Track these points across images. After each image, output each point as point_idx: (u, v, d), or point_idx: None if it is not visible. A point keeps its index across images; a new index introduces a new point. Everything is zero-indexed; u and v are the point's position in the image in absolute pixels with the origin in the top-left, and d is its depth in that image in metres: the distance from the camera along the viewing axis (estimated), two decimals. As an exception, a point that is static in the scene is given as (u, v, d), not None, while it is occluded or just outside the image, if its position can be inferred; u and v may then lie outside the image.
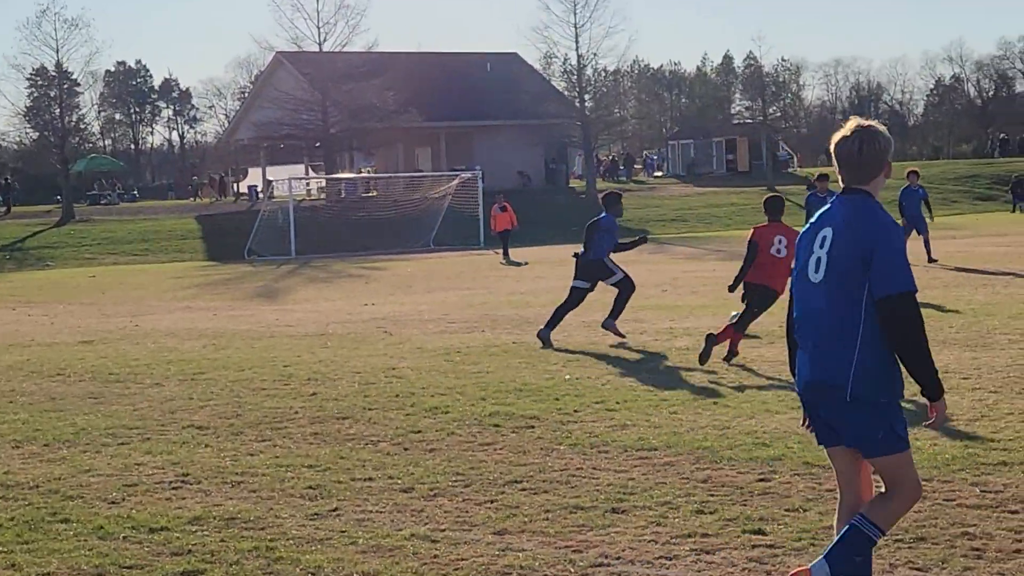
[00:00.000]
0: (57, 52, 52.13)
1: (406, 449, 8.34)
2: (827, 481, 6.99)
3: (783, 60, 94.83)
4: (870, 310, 4.50)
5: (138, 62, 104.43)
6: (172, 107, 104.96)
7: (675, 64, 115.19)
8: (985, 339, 12.34)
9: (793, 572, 4.77)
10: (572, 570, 5.66)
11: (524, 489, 7.12)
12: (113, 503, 7.11)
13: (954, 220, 40.86)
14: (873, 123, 4.69)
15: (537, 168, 59.55)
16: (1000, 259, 23.18)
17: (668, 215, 50.13)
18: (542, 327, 14.08)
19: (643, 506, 6.64)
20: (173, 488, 7.43)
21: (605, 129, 60.83)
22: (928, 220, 23.98)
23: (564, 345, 13.51)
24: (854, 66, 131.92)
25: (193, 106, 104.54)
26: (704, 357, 11.65)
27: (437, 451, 8.23)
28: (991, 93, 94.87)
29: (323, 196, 54.49)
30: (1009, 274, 20.17)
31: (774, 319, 12.99)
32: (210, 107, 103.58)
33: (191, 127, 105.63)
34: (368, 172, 58.00)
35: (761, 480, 7.12)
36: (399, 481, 7.40)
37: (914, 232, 23.42)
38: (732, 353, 11.85)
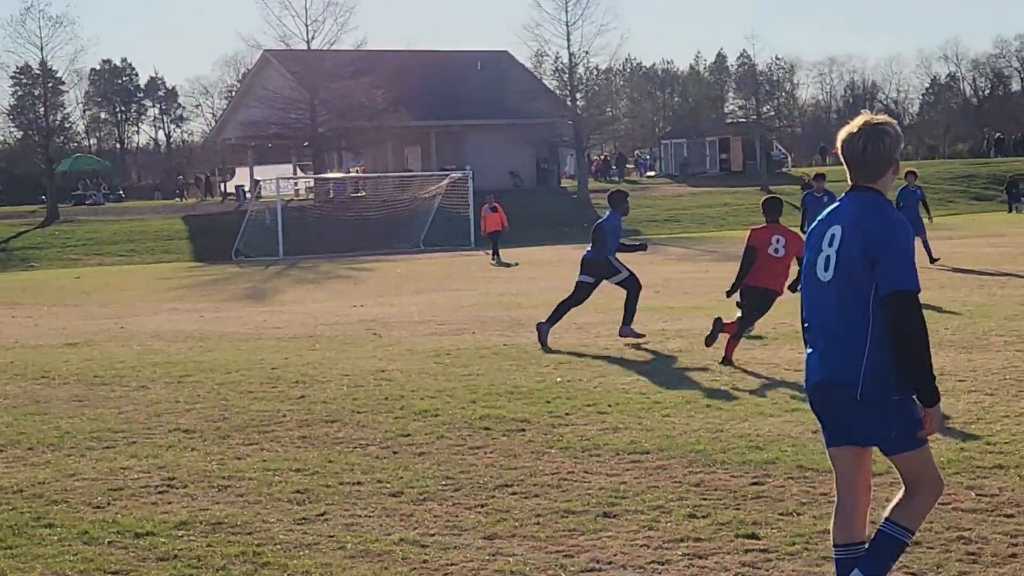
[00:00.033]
0: (41, 50, 52.01)
1: (395, 453, 8.29)
2: (821, 485, 6.95)
3: (777, 58, 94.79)
4: (878, 308, 4.46)
5: (124, 60, 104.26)
6: (158, 106, 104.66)
7: (668, 62, 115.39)
8: (981, 341, 12.31)
9: None
10: (563, 575, 5.61)
11: (515, 493, 7.08)
12: (98, 507, 7.07)
13: (950, 220, 40.90)
14: (881, 120, 4.63)
15: (528, 168, 59.47)
16: (996, 260, 23.18)
17: (661, 215, 50.15)
18: (543, 320, 13.98)
19: (635, 510, 6.60)
20: (159, 492, 7.38)
21: (597, 128, 60.73)
22: (927, 221, 24.00)
23: (556, 347, 13.45)
24: (849, 64, 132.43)
25: (179, 105, 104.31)
26: (710, 340, 11.82)
27: (427, 455, 8.18)
28: (987, 92, 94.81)
29: (311, 196, 54.37)
30: (1005, 275, 20.17)
31: (771, 320, 12.96)
32: (197, 106, 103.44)
33: (177, 126, 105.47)
34: (357, 172, 57.90)
35: (755, 484, 7.08)
36: (388, 485, 7.36)
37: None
38: (727, 360, 11.76)
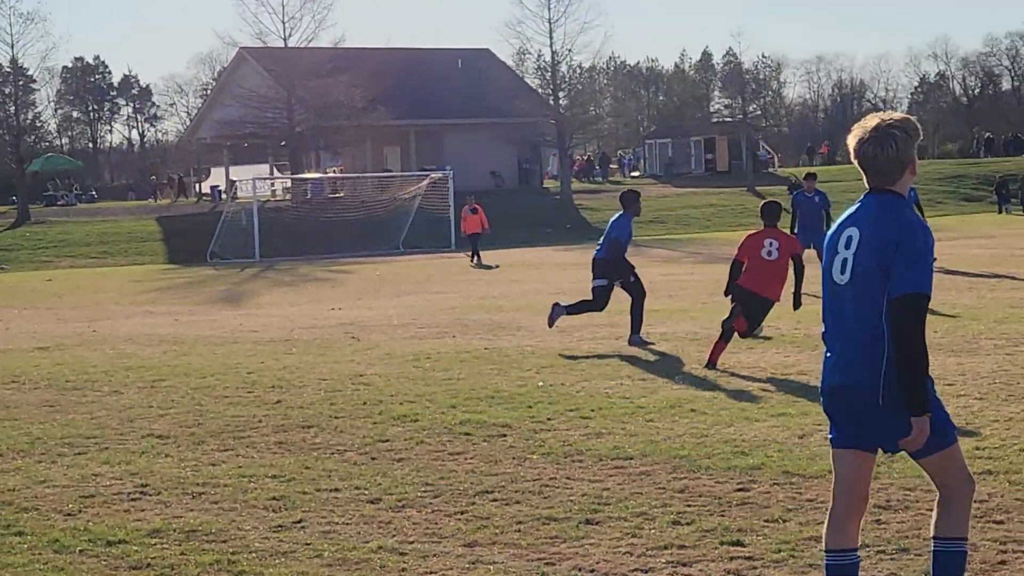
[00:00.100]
0: (12, 47, 51.61)
1: (373, 459, 8.21)
2: (808, 491, 6.90)
3: (763, 57, 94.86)
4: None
5: (96, 58, 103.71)
6: (132, 105, 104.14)
7: (652, 61, 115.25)
8: (970, 344, 12.29)
9: None
10: (546, 585, 5.54)
11: (495, 500, 7.01)
12: (69, 515, 6.99)
13: (940, 221, 41.04)
14: (892, 122, 4.52)
15: (510, 168, 59.39)
16: (986, 261, 23.23)
17: (645, 216, 49.74)
18: (560, 304, 13.96)
19: (618, 517, 6.54)
20: (132, 499, 7.31)
21: (580, 128, 60.60)
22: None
23: (538, 351, 13.35)
24: (837, 63, 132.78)
25: (154, 104, 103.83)
26: (726, 337, 11.94)
27: (406, 461, 8.10)
28: (977, 91, 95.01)
29: (288, 197, 54.15)
30: (995, 277, 20.23)
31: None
32: (171, 105, 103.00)
33: (152, 125, 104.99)
34: (335, 172, 57.72)
35: (740, 490, 7.02)
36: (366, 492, 7.29)
37: None
38: (711, 363, 11.69)
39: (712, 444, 8.19)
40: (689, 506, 6.70)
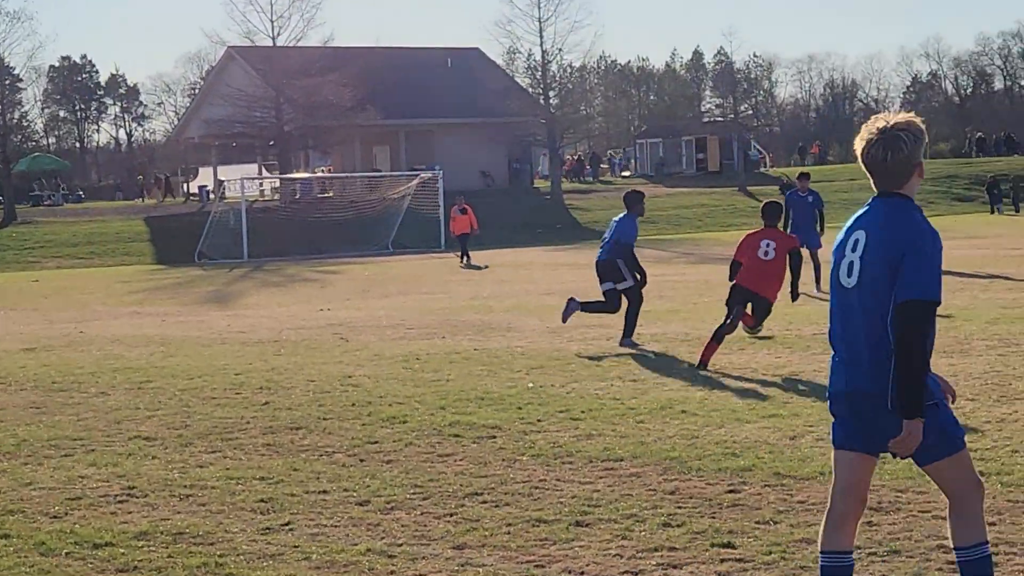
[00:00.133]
0: (-2, 46, 51.35)
1: (362, 460, 8.17)
2: (799, 492, 6.88)
3: (755, 56, 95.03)
4: None
5: (83, 57, 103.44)
6: (119, 104, 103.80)
7: (643, 60, 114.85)
8: (962, 345, 12.28)
9: None
10: (536, 588, 5.51)
11: (485, 502, 6.98)
12: (55, 517, 6.94)
13: (932, 221, 40.93)
14: (897, 123, 4.48)
15: (500, 168, 59.33)
16: (979, 262, 23.23)
17: (637, 217, 50.08)
18: (575, 300, 13.89)
19: (608, 519, 6.51)
20: (118, 502, 7.27)
21: (571, 127, 60.50)
22: None
23: (527, 352, 13.32)
24: (828, 62, 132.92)
25: (141, 103, 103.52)
26: (730, 329, 12.08)
27: (395, 462, 8.06)
28: (969, 90, 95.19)
29: (277, 197, 54.03)
30: (988, 277, 20.23)
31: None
32: (159, 104, 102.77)
33: (139, 125, 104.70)
34: (324, 172, 57.61)
35: (730, 492, 7.00)
36: (355, 494, 7.25)
37: None
38: (703, 364, 11.68)
39: (703, 446, 8.17)
40: (680, 508, 6.68)
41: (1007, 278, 19.97)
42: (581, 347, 13.57)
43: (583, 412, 9.52)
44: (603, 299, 14.12)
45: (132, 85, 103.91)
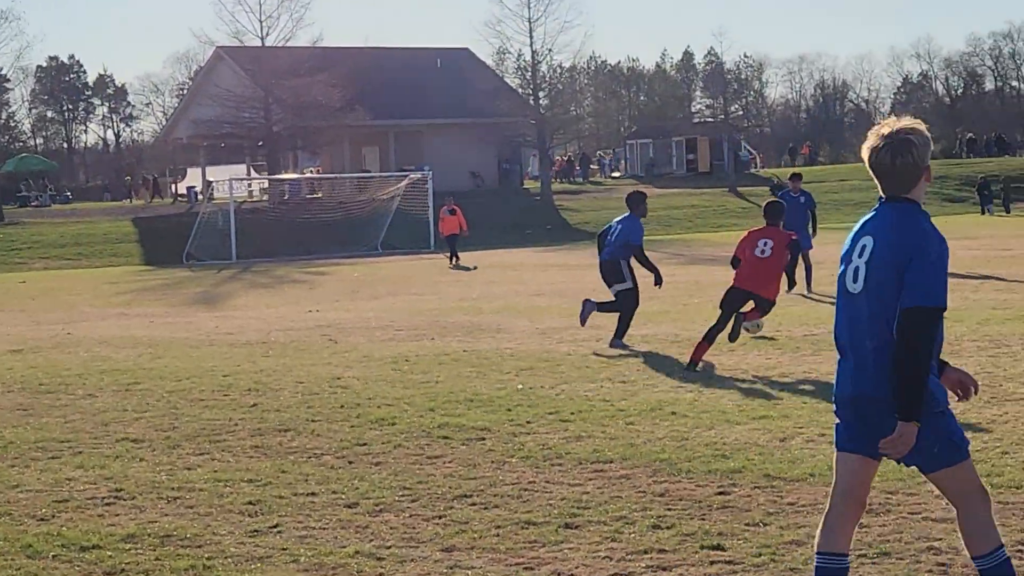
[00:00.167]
0: (-16, 47, 51.13)
1: (351, 462, 8.14)
2: (789, 494, 6.87)
3: (745, 56, 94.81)
4: None
5: (71, 57, 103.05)
6: (107, 104, 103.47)
7: (633, 60, 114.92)
8: (953, 346, 12.27)
9: None
10: (526, 591, 5.49)
11: (474, 504, 6.96)
12: (42, 520, 6.91)
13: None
14: (905, 128, 4.49)
15: (490, 168, 59.29)
16: (969, 263, 23.25)
17: (627, 217, 50.06)
18: (591, 301, 13.93)
19: (597, 521, 6.50)
20: (106, 504, 7.23)
21: (561, 128, 60.59)
22: None
23: (517, 353, 13.30)
24: (819, 63, 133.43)
25: (129, 103, 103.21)
26: (733, 336, 12.30)
27: (383, 464, 8.03)
28: (960, 91, 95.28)
29: (265, 198, 53.94)
30: (978, 278, 20.25)
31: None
32: (147, 104, 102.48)
33: (127, 125, 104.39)
34: (313, 172, 57.54)
35: (720, 493, 6.98)
36: (343, 496, 7.23)
37: None
38: (693, 363, 11.68)
39: (692, 447, 8.15)
40: (669, 510, 6.66)
41: (997, 279, 20.01)
42: (571, 348, 13.56)
43: (573, 414, 9.50)
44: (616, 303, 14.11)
45: (120, 85, 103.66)
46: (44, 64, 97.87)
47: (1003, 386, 10.03)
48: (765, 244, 12.21)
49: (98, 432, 9.48)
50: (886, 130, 4.48)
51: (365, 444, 8.66)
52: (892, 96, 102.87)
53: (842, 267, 4.60)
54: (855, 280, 4.49)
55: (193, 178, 62.48)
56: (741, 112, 66.74)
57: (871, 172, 4.56)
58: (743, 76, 77.67)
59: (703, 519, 6.45)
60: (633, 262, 13.99)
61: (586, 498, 6.96)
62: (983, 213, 49.26)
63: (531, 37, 55.55)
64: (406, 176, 45.58)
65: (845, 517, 4.59)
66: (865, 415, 4.48)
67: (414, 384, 11.31)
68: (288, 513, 6.87)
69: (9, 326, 19.03)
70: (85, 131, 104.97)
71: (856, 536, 5.95)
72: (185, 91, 74.53)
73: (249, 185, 57.09)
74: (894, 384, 4.34)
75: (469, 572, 5.72)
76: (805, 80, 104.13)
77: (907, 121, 4.51)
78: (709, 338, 11.89)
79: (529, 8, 55.16)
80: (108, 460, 8.41)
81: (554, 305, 16.71)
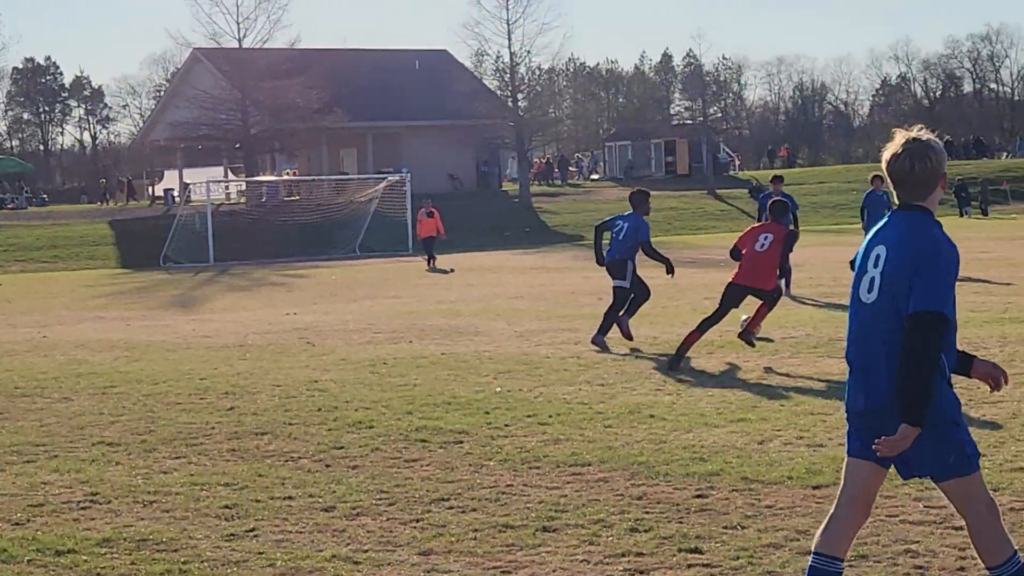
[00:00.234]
0: (-40, 49, 50.81)
1: (328, 466, 8.10)
2: (766, 497, 6.88)
3: (724, 58, 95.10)
4: None
5: (48, 59, 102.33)
6: (83, 106, 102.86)
7: (612, 62, 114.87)
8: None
9: None
10: (504, 595, 5.48)
11: (451, 507, 6.94)
12: (17, 524, 6.86)
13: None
14: (923, 136, 4.57)
15: (468, 171, 59.22)
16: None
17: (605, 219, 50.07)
18: (618, 316, 13.93)
19: (575, 524, 6.49)
20: (81, 508, 7.19)
21: (539, 130, 60.49)
22: None
23: (495, 356, 13.28)
24: (798, 65, 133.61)
25: (106, 105, 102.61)
26: (744, 337, 12.46)
27: (360, 468, 8.00)
28: (939, 93, 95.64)
29: (243, 200, 53.70)
30: (956, 280, 20.30)
31: (720, 328, 12.81)
32: (124, 106, 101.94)
33: (104, 127, 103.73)
34: (291, 175, 57.33)
35: (698, 496, 6.98)
36: (320, 500, 7.20)
37: None
38: (679, 352, 11.83)
39: (671, 450, 8.15)
40: (647, 513, 6.65)
41: (976, 280, 20.09)
42: (549, 351, 13.55)
43: (551, 417, 9.49)
44: (633, 297, 14.16)
45: (96, 87, 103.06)
46: (20, 66, 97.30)
47: (980, 388, 10.04)
48: (765, 238, 12.44)
49: (74, 436, 9.42)
50: (902, 139, 4.55)
51: (342, 447, 8.63)
52: (871, 98, 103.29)
53: (856, 277, 4.62)
54: (870, 290, 4.52)
55: (170, 180, 62.17)
56: (720, 114, 66.91)
57: (888, 179, 4.61)
58: (722, 78, 77.89)
59: (681, 522, 6.45)
60: (640, 258, 14.09)
61: (564, 501, 6.95)
62: (961, 215, 49.55)
63: (509, 39, 55.57)
64: (384, 178, 45.50)
65: (849, 522, 4.61)
66: (875, 425, 4.49)
67: (392, 387, 11.28)
68: (265, 517, 6.84)
69: (-16, 329, 18.89)
70: (61, 133, 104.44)
71: (834, 539, 5.97)
72: (162, 93, 74.17)
73: (226, 187, 56.86)
74: (898, 386, 4.37)
75: (446, 576, 5.70)
76: (784, 82, 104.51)
77: (923, 131, 4.59)
78: (701, 329, 12.15)
79: (507, 10, 55.17)
80: (84, 464, 8.36)
81: (532, 308, 16.64)
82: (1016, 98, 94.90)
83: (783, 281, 19.09)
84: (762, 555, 5.82)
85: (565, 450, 8.28)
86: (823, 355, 12.19)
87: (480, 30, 57.07)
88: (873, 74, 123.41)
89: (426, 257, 32.62)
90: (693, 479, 7.35)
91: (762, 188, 22.90)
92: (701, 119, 62.76)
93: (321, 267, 34.66)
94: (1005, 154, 72.64)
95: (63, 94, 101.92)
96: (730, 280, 12.54)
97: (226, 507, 7.06)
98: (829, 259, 26.35)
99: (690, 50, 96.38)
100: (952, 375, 4.59)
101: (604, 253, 14.40)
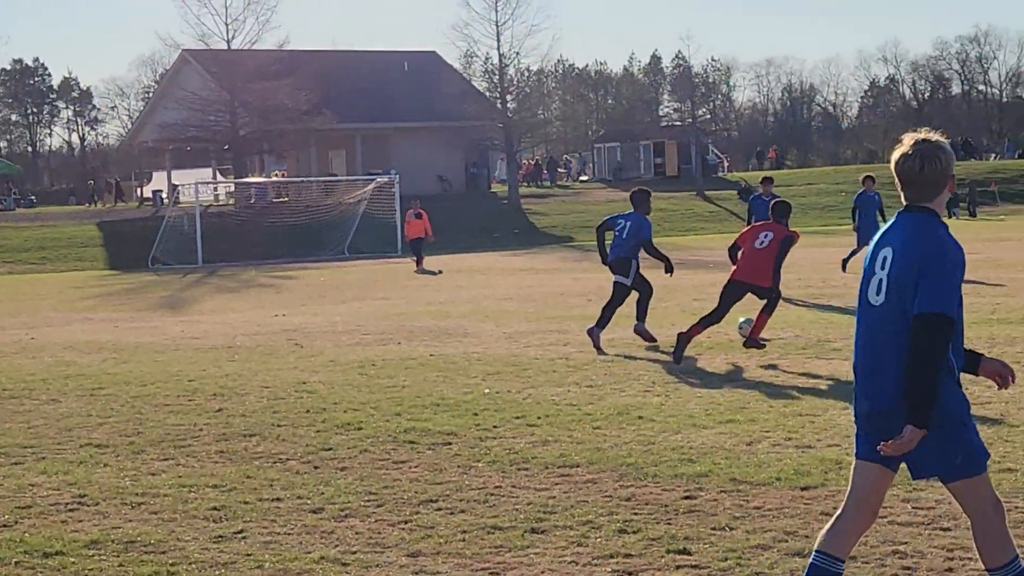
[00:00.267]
0: (-52, 50, 50.59)
1: (316, 467, 8.10)
2: (755, 498, 6.88)
3: (713, 60, 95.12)
4: None
5: (36, 60, 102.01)
6: (72, 107, 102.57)
7: (601, 64, 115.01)
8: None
9: None
10: (492, 596, 5.48)
11: (440, 509, 6.94)
12: (5, 526, 6.85)
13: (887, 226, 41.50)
14: (932, 137, 4.59)
15: (457, 172, 59.19)
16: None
17: (593, 220, 49.84)
18: (637, 323, 13.95)
19: (564, 526, 6.49)
20: (69, 510, 7.18)
21: (528, 131, 60.50)
22: (882, 224, 24.22)
23: (484, 358, 13.27)
24: (786, 66, 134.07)
25: (94, 106, 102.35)
26: (752, 344, 12.50)
27: (349, 469, 7.99)
28: (927, 94, 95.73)
29: (232, 201, 53.59)
30: None
31: (710, 330, 12.83)
32: (112, 108, 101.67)
33: (92, 129, 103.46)
34: (279, 176, 57.23)
35: (686, 498, 6.98)
36: (308, 501, 7.19)
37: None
38: (680, 345, 11.89)
39: (659, 451, 8.15)
40: (635, 514, 6.65)
41: (964, 281, 20.14)
42: (538, 352, 13.55)
43: (539, 418, 9.48)
44: (640, 296, 14.21)
45: (85, 88, 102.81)
46: (8, 67, 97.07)
47: (968, 388, 10.09)
48: (765, 236, 12.57)
49: (62, 437, 9.39)
50: (912, 140, 4.57)
51: (331, 449, 8.62)
52: (859, 100, 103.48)
53: (863, 280, 4.63)
54: (878, 292, 4.52)
55: (159, 182, 62.01)
56: (709, 116, 66.98)
57: (897, 180, 4.63)
58: (710, 80, 77.94)
59: (669, 523, 6.45)
60: (641, 257, 14.18)
61: (552, 503, 6.95)
62: (949, 217, 49.69)
63: (498, 40, 55.57)
64: (373, 180, 45.45)
65: (855, 525, 4.62)
66: (882, 427, 4.50)
67: (380, 389, 11.27)
68: (253, 519, 6.83)
69: (-29, 331, 18.83)
70: (50, 134, 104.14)
71: (822, 540, 5.98)
72: (150, 94, 74.05)
73: (215, 189, 56.73)
74: (904, 388, 4.38)
75: (435, 577, 5.69)
76: (772, 84, 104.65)
77: (933, 134, 4.62)
78: (702, 323, 12.27)
79: (496, 11, 55.16)
80: (72, 466, 8.34)
81: (521, 309, 16.61)
82: (1004, 100, 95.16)
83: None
84: (750, 556, 5.83)
85: (554, 451, 8.27)
86: (812, 356, 12.21)
87: (469, 32, 57.08)
88: (861, 76, 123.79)
89: (414, 259, 32.60)
90: (681, 480, 7.35)
91: (751, 189, 22.97)
92: (690, 120, 62.80)
93: (310, 268, 34.62)
94: (993, 156, 72.87)
95: (51, 95, 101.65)
96: (729, 277, 12.63)
97: (214, 509, 7.05)
98: (818, 260, 26.41)
99: (679, 52, 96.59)
100: (960, 374, 4.61)
101: (607, 252, 14.44)
